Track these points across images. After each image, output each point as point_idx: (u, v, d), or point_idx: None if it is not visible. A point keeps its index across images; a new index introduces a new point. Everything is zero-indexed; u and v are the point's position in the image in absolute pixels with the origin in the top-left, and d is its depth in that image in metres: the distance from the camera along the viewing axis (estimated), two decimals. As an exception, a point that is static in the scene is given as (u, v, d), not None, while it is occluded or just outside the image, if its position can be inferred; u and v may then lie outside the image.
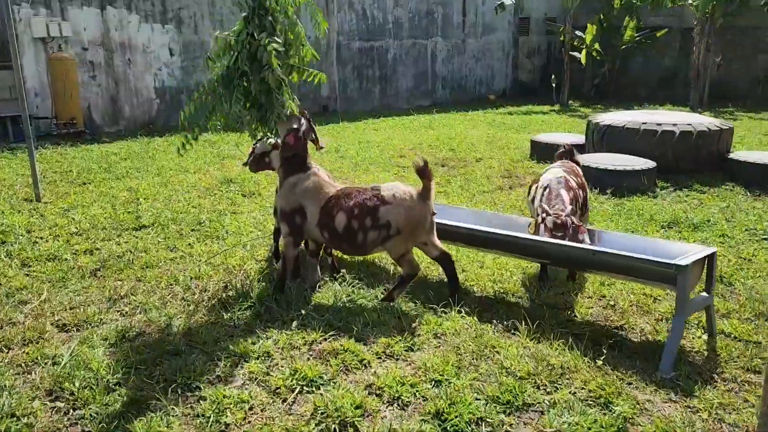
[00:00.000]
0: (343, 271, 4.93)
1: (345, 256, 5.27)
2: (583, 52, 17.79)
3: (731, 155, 8.64)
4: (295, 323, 3.99)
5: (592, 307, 4.45)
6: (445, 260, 4.45)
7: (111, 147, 10.65)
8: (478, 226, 4.56)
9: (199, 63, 12.97)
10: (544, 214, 4.36)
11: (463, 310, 4.17)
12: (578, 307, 4.43)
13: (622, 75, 18.89)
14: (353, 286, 4.66)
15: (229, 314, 4.19)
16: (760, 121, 13.84)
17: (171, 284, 4.80)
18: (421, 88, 17.49)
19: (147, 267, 5.16)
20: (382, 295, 4.47)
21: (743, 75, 17.20)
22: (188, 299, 4.50)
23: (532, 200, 4.84)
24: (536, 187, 4.84)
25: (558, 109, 16.83)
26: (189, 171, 8.76)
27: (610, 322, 4.22)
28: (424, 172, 4.17)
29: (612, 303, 4.50)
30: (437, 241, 4.43)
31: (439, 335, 3.90)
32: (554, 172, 4.83)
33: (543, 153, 9.66)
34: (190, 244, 5.75)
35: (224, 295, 4.55)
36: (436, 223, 4.43)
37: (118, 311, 4.33)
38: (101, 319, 4.17)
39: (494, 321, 4.08)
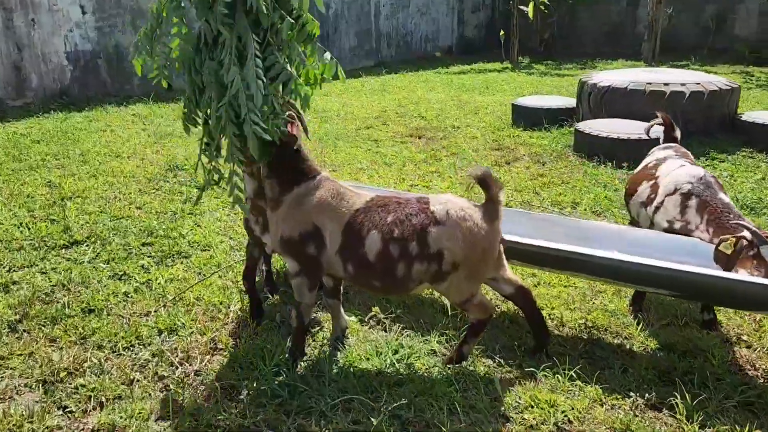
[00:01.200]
0: (376, 309, 3.60)
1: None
2: (531, 5, 16.74)
3: (742, 116, 7.80)
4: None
5: (715, 343, 3.33)
6: (523, 299, 3.15)
7: (19, 126, 8.72)
8: (602, 252, 3.19)
9: (116, 22, 10.98)
10: (747, 235, 3.01)
11: (573, 373, 2.94)
12: (704, 345, 3.26)
13: (569, 29, 18.01)
14: (393, 332, 3.36)
15: (234, 404, 2.80)
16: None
17: (132, 345, 3.31)
18: (365, 47, 15.98)
19: (91, 312, 3.65)
20: (439, 344, 3.19)
21: (692, 26, 16.63)
22: (165, 374, 3.06)
23: (648, 205, 3.59)
24: (654, 186, 3.59)
25: (510, 66, 15.77)
26: (122, 156, 7.09)
27: (755, 371, 3.10)
28: (488, 183, 2.85)
29: (734, 336, 3.40)
30: (510, 274, 3.12)
31: (561, 425, 2.65)
32: (682, 167, 3.56)
33: (528, 119, 8.57)
34: (144, 268, 4.26)
35: (216, 361, 3.15)
36: (525, 244, 3.17)
37: (59, 408, 2.83)
38: (35, 431, 2.68)
39: (630, 392, 2.84)
